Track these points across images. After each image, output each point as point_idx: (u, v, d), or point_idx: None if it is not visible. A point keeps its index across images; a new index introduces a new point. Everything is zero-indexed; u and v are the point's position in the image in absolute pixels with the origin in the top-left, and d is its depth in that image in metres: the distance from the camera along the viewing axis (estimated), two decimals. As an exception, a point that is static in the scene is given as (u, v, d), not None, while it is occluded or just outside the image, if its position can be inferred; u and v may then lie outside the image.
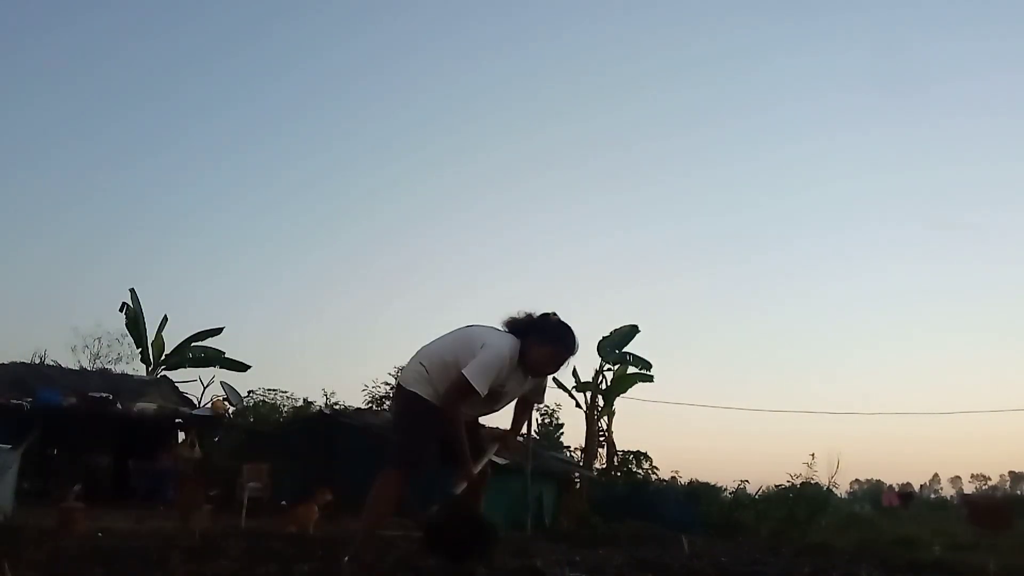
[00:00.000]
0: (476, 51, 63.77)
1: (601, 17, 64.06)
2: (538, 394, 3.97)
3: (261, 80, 53.45)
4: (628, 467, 21.64)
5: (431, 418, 3.57)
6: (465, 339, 3.63)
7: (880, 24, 63.58)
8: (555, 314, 3.69)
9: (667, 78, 67.11)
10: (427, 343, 3.75)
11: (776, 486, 17.65)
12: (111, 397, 15.35)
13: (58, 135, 43.36)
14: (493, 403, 3.68)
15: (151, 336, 20.81)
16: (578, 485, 18.58)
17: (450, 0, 59.68)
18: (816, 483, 17.10)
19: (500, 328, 3.69)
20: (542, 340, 3.59)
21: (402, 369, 3.78)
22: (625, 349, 21.00)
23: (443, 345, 3.67)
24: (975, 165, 66.85)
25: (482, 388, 3.43)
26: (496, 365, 3.48)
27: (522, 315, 3.70)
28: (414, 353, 3.74)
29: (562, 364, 3.65)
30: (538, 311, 3.72)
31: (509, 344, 3.56)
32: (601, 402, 21.18)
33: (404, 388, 3.68)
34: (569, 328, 3.66)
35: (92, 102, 45.94)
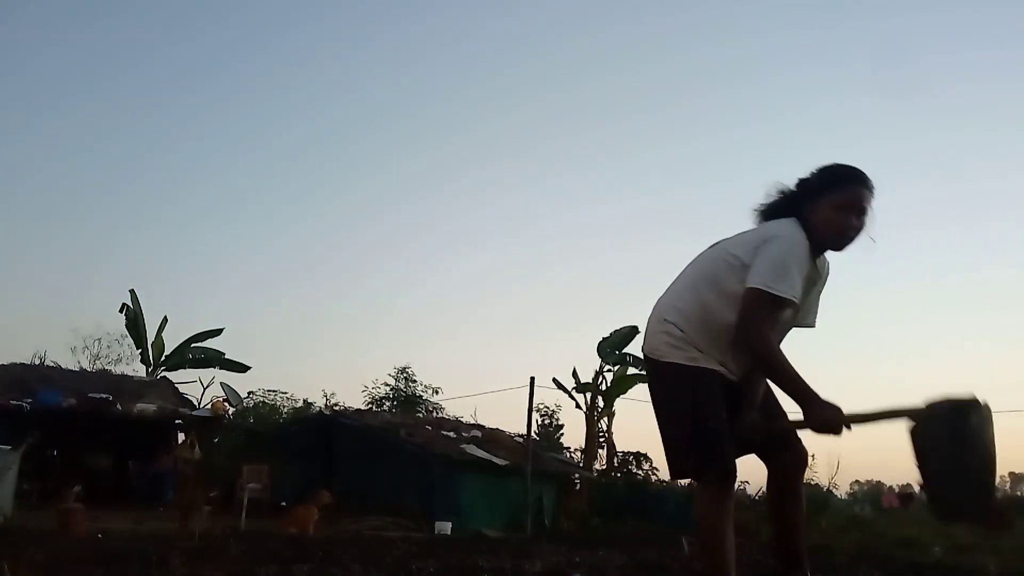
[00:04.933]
0: (461, 26, 63.78)
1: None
2: (811, 314, 2.70)
3: (262, 83, 53.45)
4: (628, 468, 21.66)
5: (704, 389, 2.48)
6: (720, 258, 2.55)
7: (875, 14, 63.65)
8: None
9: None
10: (666, 290, 2.70)
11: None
12: (111, 398, 15.34)
13: (58, 136, 43.36)
14: (791, 318, 2.58)
15: (151, 337, 20.82)
16: (578, 486, 18.57)
17: None
18: (816, 484, 17.12)
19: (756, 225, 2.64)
20: (824, 193, 2.48)
21: (644, 336, 2.72)
22: (625, 350, 21.02)
23: (691, 281, 2.61)
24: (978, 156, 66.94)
25: (788, 291, 2.36)
26: (798, 254, 2.42)
27: (774, 195, 2.61)
28: (653, 308, 2.70)
29: (866, 209, 2.46)
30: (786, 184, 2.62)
31: (794, 225, 2.48)
32: (601, 403, 21.19)
33: (656, 362, 2.61)
34: (842, 164, 2.55)
35: (92, 103, 45.99)
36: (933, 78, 70.16)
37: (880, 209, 2.51)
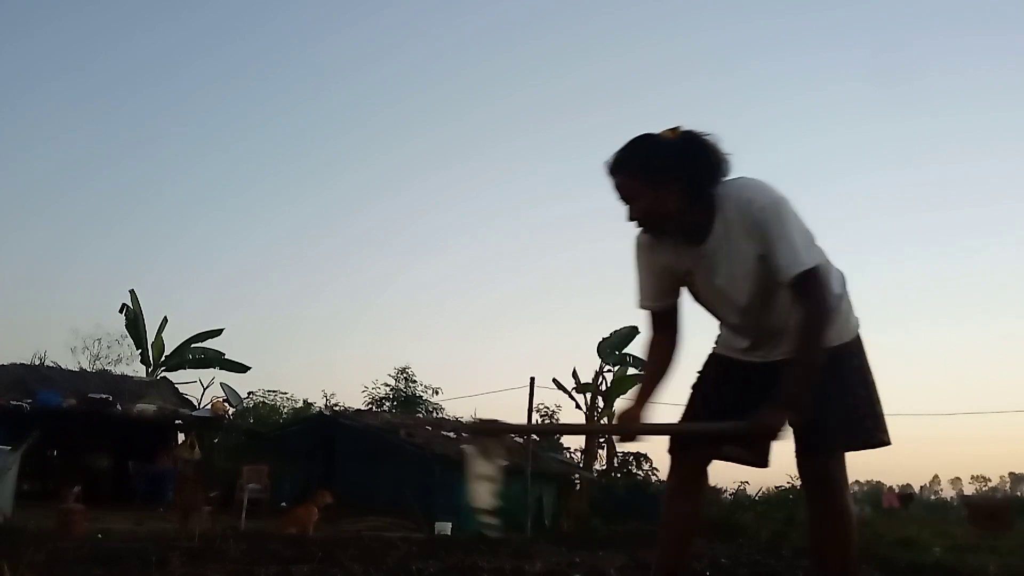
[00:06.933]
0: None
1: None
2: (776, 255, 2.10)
3: (263, 84, 53.50)
4: (628, 468, 21.65)
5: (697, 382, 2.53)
6: None
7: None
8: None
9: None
10: None
11: (776, 487, 17.64)
12: (111, 398, 15.34)
13: (58, 135, 43.40)
14: (714, 300, 2.33)
15: (151, 337, 20.83)
16: (578, 486, 18.58)
17: None
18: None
19: None
20: None
21: None
22: (625, 350, 21.01)
23: None
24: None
25: (638, 299, 2.38)
26: (634, 259, 2.38)
27: None
28: None
29: (624, 195, 2.17)
30: None
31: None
32: (601, 404, 21.19)
33: None
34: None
35: (92, 104, 45.99)
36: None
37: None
